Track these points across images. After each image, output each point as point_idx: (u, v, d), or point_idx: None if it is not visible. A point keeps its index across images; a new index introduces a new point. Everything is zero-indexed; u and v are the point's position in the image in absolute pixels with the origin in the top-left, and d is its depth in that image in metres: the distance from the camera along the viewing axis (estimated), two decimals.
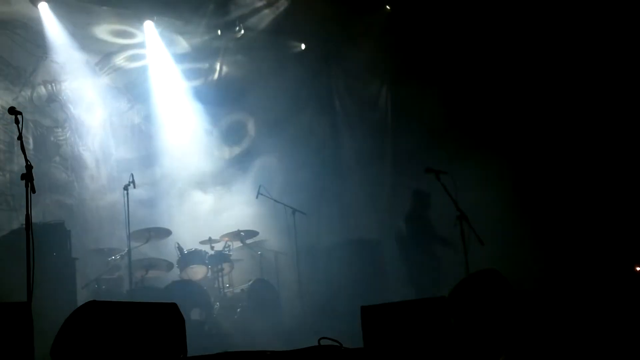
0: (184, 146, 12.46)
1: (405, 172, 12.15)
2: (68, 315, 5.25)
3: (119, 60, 12.36)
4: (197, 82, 12.93)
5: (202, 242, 10.97)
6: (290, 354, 6.13)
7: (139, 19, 12.44)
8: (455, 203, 8.48)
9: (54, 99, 11.53)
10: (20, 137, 6.69)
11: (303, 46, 13.99)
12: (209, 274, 10.75)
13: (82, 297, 9.31)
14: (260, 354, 5.99)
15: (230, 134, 12.71)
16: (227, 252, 10.89)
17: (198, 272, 10.66)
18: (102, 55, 12.12)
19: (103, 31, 12.10)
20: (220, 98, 12.72)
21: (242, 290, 10.76)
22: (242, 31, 13.21)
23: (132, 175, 9.91)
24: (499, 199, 11.14)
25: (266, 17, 12.86)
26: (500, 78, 12.15)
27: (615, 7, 10.74)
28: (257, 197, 11.42)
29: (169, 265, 10.75)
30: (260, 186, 11.38)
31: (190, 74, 12.90)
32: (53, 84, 11.59)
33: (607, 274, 10.26)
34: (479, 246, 8.29)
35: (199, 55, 13.04)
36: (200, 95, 12.81)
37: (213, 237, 11.00)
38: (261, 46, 13.41)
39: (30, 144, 10.98)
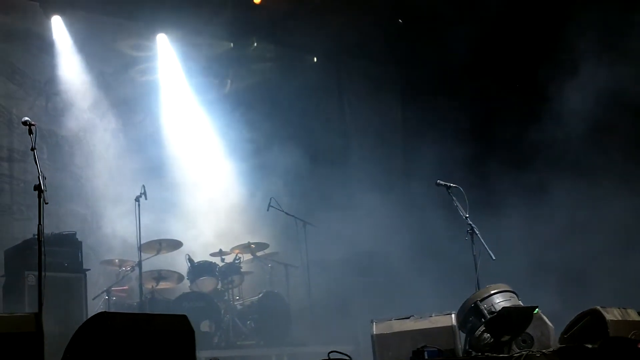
0: (195, 158, 12.50)
1: (416, 184, 12.13)
2: (78, 327, 5.26)
3: (133, 71, 12.42)
4: (209, 94, 12.95)
5: (213, 254, 10.98)
6: None
7: (152, 31, 12.52)
8: (466, 217, 8.44)
9: (68, 109, 11.59)
10: (33, 149, 6.76)
11: (315, 59, 14.04)
12: (219, 286, 10.76)
13: (93, 308, 9.34)
14: None
15: (242, 146, 12.72)
16: (237, 264, 10.91)
17: (208, 284, 10.67)
18: (116, 67, 12.19)
19: (116, 43, 12.18)
20: (232, 110, 12.75)
21: (252, 302, 10.76)
22: (255, 44, 13.26)
23: (144, 186, 9.93)
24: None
25: (279, 30, 12.91)
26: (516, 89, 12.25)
27: None
28: (267, 210, 11.41)
29: (180, 277, 10.77)
30: (271, 199, 11.38)
31: (203, 86, 12.93)
32: (67, 94, 11.66)
33: None
34: (491, 261, 8.26)
35: (212, 67, 13.08)
36: (212, 106, 12.84)
37: (223, 249, 11.01)
38: (274, 58, 13.47)
39: (45, 153, 11.05)
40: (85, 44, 11.76)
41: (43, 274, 6.45)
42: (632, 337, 6.80)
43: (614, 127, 11.39)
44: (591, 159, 11.43)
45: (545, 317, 7.24)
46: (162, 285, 10.52)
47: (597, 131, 11.38)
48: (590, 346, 6.08)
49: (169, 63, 12.69)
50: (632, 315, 7.27)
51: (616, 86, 10.67)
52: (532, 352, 6.40)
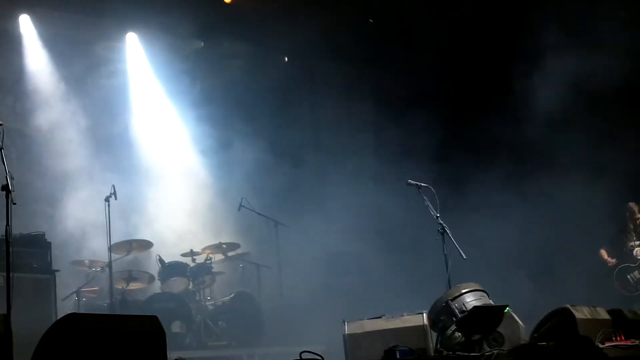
0: (166, 158, 12.44)
1: (388, 184, 12.16)
2: (48, 328, 5.21)
3: (102, 70, 12.34)
4: (179, 93, 12.89)
5: (184, 255, 10.95)
6: None
7: (121, 30, 12.45)
8: (437, 216, 8.46)
9: (37, 109, 11.49)
10: (0, 148, 6.68)
11: (286, 59, 14.02)
12: (191, 287, 10.72)
13: (62, 309, 9.22)
14: None
15: (212, 145, 12.68)
16: (208, 265, 10.86)
17: (179, 284, 10.63)
18: (85, 66, 12.09)
19: (86, 42, 12.09)
20: (202, 109, 12.69)
21: (223, 302, 10.73)
22: (226, 43, 13.22)
23: (114, 186, 9.86)
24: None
25: (250, 29, 12.86)
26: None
27: None
28: (239, 210, 11.40)
29: (150, 278, 10.72)
30: (242, 198, 11.37)
31: (173, 85, 12.87)
32: (36, 94, 11.55)
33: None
34: (462, 260, 8.28)
35: (182, 66, 13.03)
36: (182, 105, 12.79)
37: (195, 250, 10.98)
38: (245, 57, 13.42)
39: (13, 153, 10.92)
40: (54, 43, 11.70)
41: (11, 274, 6.40)
42: (601, 336, 6.87)
43: (582, 120, 11.51)
44: (560, 152, 11.57)
45: (515, 316, 7.28)
46: (133, 285, 10.47)
47: (566, 124, 11.51)
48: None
49: (139, 62, 12.64)
50: (602, 314, 7.33)
51: (583, 78, 10.78)
52: (503, 350, 6.44)
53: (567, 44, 10.89)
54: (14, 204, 6.53)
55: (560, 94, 11.02)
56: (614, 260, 10.86)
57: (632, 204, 11.00)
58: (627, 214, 11.01)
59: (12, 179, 6.56)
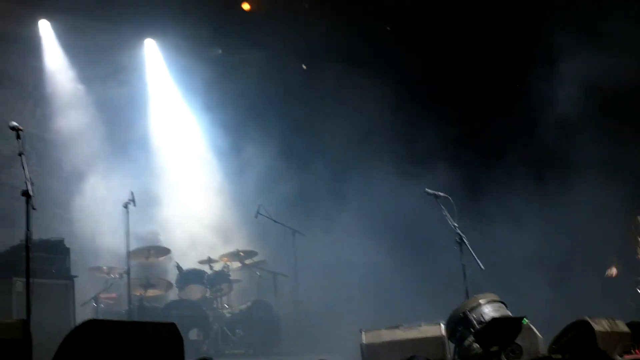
0: (184, 164, 12.47)
1: (405, 192, 12.16)
2: (67, 333, 5.23)
3: (120, 76, 12.38)
4: (197, 100, 12.93)
5: (201, 262, 10.95)
6: None
7: (139, 36, 12.52)
8: (455, 226, 8.43)
9: (56, 114, 11.56)
10: (21, 154, 6.71)
11: (304, 66, 14.03)
12: (208, 294, 10.72)
13: (81, 315, 9.24)
14: None
15: (230, 153, 12.70)
16: (226, 272, 10.87)
17: (197, 291, 10.63)
18: (104, 72, 12.14)
19: (104, 48, 12.13)
20: (221, 116, 12.73)
21: (240, 311, 10.73)
22: (243, 50, 13.25)
23: (132, 193, 9.86)
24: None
25: (265, 35, 12.88)
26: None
27: None
28: (256, 217, 11.39)
29: (168, 285, 10.73)
30: (259, 206, 11.36)
31: (191, 92, 12.91)
32: (55, 99, 11.62)
33: None
34: (478, 269, 8.24)
35: (200, 73, 13.04)
36: (200, 112, 12.83)
37: (212, 257, 10.98)
38: (263, 65, 13.45)
39: (32, 158, 10.96)
40: (72, 48, 11.76)
41: (31, 280, 6.42)
42: (620, 348, 6.83)
43: (600, 124, 11.42)
44: (577, 158, 11.50)
45: (533, 328, 7.25)
46: (151, 292, 10.48)
47: (583, 129, 11.43)
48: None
49: (157, 68, 12.70)
50: (620, 327, 7.29)
51: (602, 80, 10.70)
52: None
53: (584, 44, 10.81)
54: (34, 209, 6.55)
55: (577, 96, 10.97)
56: (614, 270, 10.85)
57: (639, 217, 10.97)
58: (633, 227, 10.96)
59: (32, 184, 6.59)
